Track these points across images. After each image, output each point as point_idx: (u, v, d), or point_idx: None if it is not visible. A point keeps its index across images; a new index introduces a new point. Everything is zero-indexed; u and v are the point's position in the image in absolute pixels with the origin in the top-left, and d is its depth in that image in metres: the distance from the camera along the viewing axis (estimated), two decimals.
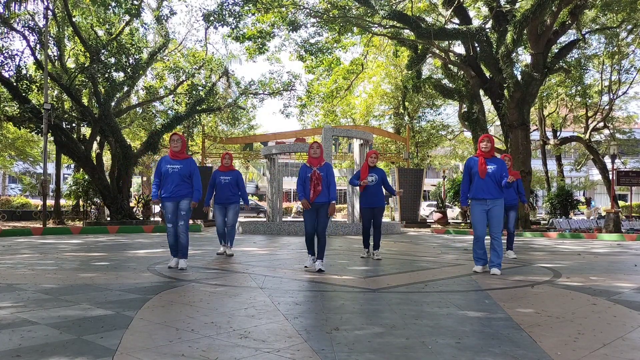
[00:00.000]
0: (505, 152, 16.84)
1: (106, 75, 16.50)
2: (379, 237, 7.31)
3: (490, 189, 5.50)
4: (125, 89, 18.78)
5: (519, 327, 3.11)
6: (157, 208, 22.05)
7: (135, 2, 14.91)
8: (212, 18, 16.36)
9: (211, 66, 20.93)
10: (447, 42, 19.00)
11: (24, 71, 16.13)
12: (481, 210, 5.56)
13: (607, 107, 24.32)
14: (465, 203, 5.83)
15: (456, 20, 17.39)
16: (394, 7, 16.49)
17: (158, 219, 19.89)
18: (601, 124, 24.77)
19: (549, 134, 27.12)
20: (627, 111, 28.83)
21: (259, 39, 18.43)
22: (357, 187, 7.38)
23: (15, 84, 15.15)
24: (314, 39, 19.54)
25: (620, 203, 27.76)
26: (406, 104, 25.84)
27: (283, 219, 17.85)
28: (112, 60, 16.71)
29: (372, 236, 7.33)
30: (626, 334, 2.97)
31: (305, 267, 5.87)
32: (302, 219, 6.06)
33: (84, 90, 18.17)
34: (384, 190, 7.33)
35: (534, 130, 24.20)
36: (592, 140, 24.84)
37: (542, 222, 21.26)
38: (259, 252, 8.22)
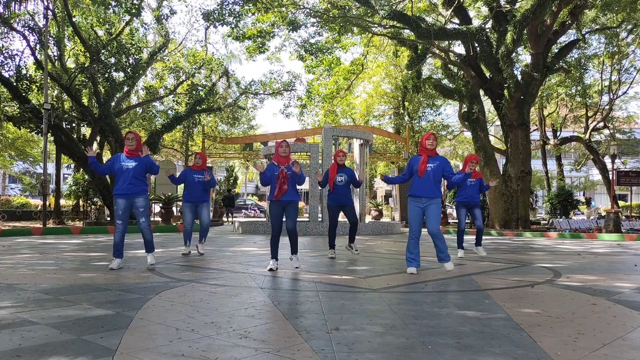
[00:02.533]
0: (505, 152, 16.84)
1: (106, 75, 16.49)
2: (355, 231, 7.29)
3: (427, 187, 5.48)
4: (125, 89, 18.77)
5: (519, 327, 3.11)
6: (157, 208, 22.06)
7: (135, 2, 14.91)
8: (212, 17, 16.36)
9: (211, 66, 20.93)
10: (447, 42, 18.99)
11: (24, 71, 16.13)
12: (417, 207, 5.57)
13: (607, 107, 24.31)
14: (388, 181, 6.15)
15: (456, 20, 17.39)
16: (394, 7, 16.47)
17: (158, 219, 19.90)
18: (601, 124, 24.76)
19: (549, 134, 27.11)
20: (627, 111, 28.82)
21: (259, 39, 18.44)
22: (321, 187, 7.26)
23: (15, 84, 15.14)
24: (314, 39, 19.55)
25: (620, 203, 27.76)
26: (406, 104, 25.82)
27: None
28: (112, 60, 16.70)
29: (337, 234, 7.23)
30: (626, 334, 2.97)
31: (271, 269, 5.59)
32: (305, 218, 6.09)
33: (84, 90, 18.17)
34: (352, 189, 7.27)
35: (534, 130, 24.18)
36: (592, 140, 24.84)
37: (542, 222, 21.25)
38: (259, 252, 8.22)
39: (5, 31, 15.54)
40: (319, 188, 14.39)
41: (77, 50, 18.20)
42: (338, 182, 6.99)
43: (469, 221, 13.60)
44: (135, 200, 5.74)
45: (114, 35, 16.80)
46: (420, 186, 5.51)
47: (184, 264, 6.29)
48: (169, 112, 22.32)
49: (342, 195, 7.04)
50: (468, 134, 23.64)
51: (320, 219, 14.56)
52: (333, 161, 7.19)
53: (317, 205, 14.38)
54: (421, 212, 5.56)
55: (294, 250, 5.85)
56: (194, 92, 19.66)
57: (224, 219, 23.55)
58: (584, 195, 37.80)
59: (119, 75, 17.77)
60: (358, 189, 14.91)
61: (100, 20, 17.41)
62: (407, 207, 5.72)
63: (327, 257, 7.21)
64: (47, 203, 16.19)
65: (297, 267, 5.74)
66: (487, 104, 20.03)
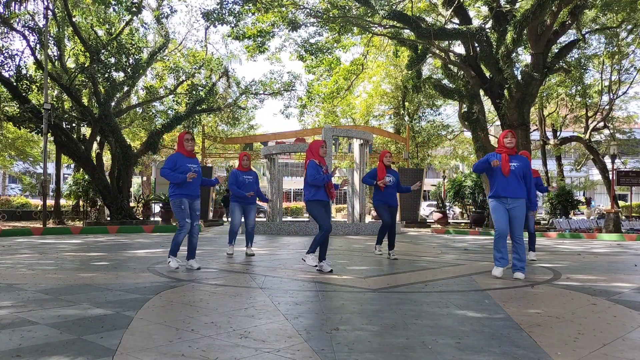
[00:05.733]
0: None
1: (106, 75, 16.50)
2: (394, 236, 7.37)
3: (512, 187, 5.22)
4: (125, 89, 18.79)
5: (519, 327, 3.11)
6: (157, 208, 22.07)
7: (135, 0, 14.91)
8: (212, 17, 16.37)
9: (211, 66, 20.94)
10: (447, 42, 18.99)
11: (24, 71, 16.14)
12: (504, 208, 5.25)
13: (607, 107, 24.33)
14: (482, 165, 5.36)
15: (456, 20, 17.39)
16: (394, 7, 16.48)
17: (158, 219, 19.89)
18: (601, 124, 24.78)
19: (549, 134, 27.12)
20: (627, 111, 28.88)
21: (259, 39, 18.45)
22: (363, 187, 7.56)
23: (15, 84, 15.15)
24: (314, 39, 19.56)
25: (621, 203, 27.77)
26: (406, 104, 25.85)
27: (283, 219, 17.85)
28: (112, 60, 16.71)
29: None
30: (626, 334, 2.97)
31: (321, 269, 5.60)
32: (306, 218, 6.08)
33: (84, 90, 18.17)
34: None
35: (534, 130, 24.20)
36: (592, 140, 24.85)
37: (542, 222, 21.25)
38: (259, 252, 8.22)
39: (5, 31, 15.54)
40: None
41: (77, 50, 18.20)
42: (388, 182, 7.21)
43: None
44: (195, 202, 5.77)
45: (114, 35, 16.80)
46: (505, 186, 5.19)
47: (183, 264, 6.29)
48: (169, 112, 22.33)
49: (391, 195, 7.27)
50: (468, 134, 23.65)
51: None
52: (380, 162, 7.39)
53: None
54: (507, 212, 5.26)
55: (324, 256, 5.69)
56: (194, 92, 19.66)
57: (224, 219, 23.57)
58: (584, 195, 37.82)
59: (119, 75, 17.77)
60: (357, 189, 14.90)
61: (100, 20, 17.41)
62: (491, 207, 5.37)
63: (376, 253, 7.63)
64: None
65: (330, 271, 5.54)
66: (487, 104, 20.04)
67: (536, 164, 25.14)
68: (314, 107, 26.74)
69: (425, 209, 27.12)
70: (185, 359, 2.42)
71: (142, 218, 18.95)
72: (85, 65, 16.23)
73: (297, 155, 21.72)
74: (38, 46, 15.91)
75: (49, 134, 15.09)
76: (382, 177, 7.15)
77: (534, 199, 6.24)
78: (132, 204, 19.31)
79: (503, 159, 5.24)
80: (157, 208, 22.07)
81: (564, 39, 18.97)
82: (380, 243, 7.58)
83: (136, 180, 30.98)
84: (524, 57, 21.87)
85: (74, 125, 19.18)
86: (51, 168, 24.46)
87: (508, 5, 15.92)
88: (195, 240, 5.88)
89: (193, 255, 5.90)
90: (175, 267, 5.67)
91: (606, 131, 26.09)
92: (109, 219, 17.76)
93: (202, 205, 18.84)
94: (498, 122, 20.55)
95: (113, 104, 17.96)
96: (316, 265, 5.64)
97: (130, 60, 16.91)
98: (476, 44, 16.30)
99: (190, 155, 5.79)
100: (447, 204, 23.26)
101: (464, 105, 19.49)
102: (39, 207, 23.65)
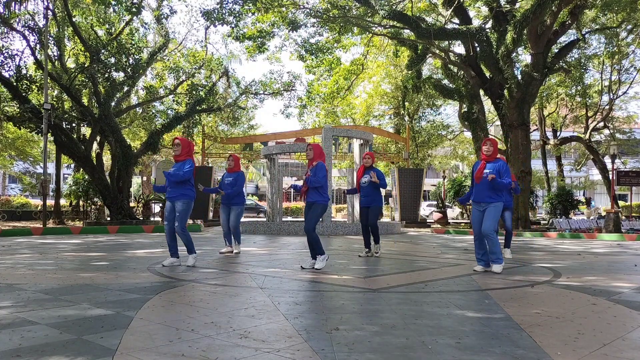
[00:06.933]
0: (505, 152, 16.82)
1: (106, 75, 16.49)
2: (375, 233, 7.43)
3: (482, 193, 5.65)
4: (125, 89, 18.77)
5: (519, 327, 3.11)
6: (157, 208, 22.08)
7: (135, 1, 14.91)
8: (212, 17, 16.37)
9: (211, 66, 20.93)
10: (447, 42, 18.99)
11: (24, 71, 16.12)
12: (477, 211, 5.78)
13: (607, 107, 24.32)
14: (463, 202, 6.54)
15: (456, 20, 17.39)
16: (394, 7, 16.48)
17: (158, 218, 19.90)
18: (601, 124, 24.77)
19: (549, 134, 27.12)
20: (627, 111, 28.83)
21: (259, 39, 18.46)
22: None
23: (15, 84, 15.14)
24: (314, 39, 19.56)
25: (621, 203, 27.76)
26: (406, 104, 25.84)
27: (283, 219, 17.85)
28: (112, 60, 16.69)
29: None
30: (626, 334, 2.97)
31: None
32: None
33: (84, 90, 18.16)
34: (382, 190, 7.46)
35: (534, 130, 24.19)
36: (592, 140, 24.84)
37: (542, 222, 21.25)
38: (259, 252, 8.22)
39: (5, 31, 15.52)
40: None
41: (77, 50, 18.17)
42: (362, 183, 7.36)
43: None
44: (175, 204, 6.05)
45: (114, 35, 16.80)
46: (477, 192, 5.73)
47: (176, 264, 6.29)
48: (169, 112, 22.32)
49: (365, 195, 7.36)
50: (468, 134, 23.65)
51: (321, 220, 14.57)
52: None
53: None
54: (481, 215, 5.72)
55: (311, 254, 5.93)
56: (194, 92, 19.65)
57: None
58: (584, 195, 37.80)
59: (119, 75, 17.75)
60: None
61: (100, 20, 17.40)
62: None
63: (358, 254, 7.64)
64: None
65: (316, 268, 5.76)
66: (487, 104, 20.04)
67: (536, 164, 25.13)
68: (314, 107, 26.73)
69: (425, 209, 27.11)
70: (185, 359, 2.42)
71: (142, 218, 18.94)
72: (85, 65, 16.21)
73: (297, 155, 21.70)
74: (38, 46, 15.90)
75: (49, 134, 15.09)
76: (358, 178, 7.43)
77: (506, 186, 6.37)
78: (132, 204, 19.30)
79: (480, 167, 5.72)
80: (157, 208, 22.08)
81: (564, 39, 18.97)
82: (366, 246, 7.57)
83: (136, 180, 30.93)
84: (524, 57, 21.87)
85: (74, 125, 19.15)
86: (51, 168, 24.46)
87: (508, 5, 15.92)
88: (181, 239, 6.07)
89: (187, 252, 6.13)
90: (164, 264, 6.05)
91: (606, 131, 26.09)
92: (109, 219, 17.75)
93: (202, 206, 18.85)
94: (498, 122, 20.55)
95: (113, 104, 17.94)
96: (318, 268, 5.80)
97: (130, 60, 16.89)
98: (476, 44, 16.30)
99: (175, 159, 6.14)
100: (447, 204, 23.29)
101: (464, 105, 19.50)
102: (39, 207, 23.64)
